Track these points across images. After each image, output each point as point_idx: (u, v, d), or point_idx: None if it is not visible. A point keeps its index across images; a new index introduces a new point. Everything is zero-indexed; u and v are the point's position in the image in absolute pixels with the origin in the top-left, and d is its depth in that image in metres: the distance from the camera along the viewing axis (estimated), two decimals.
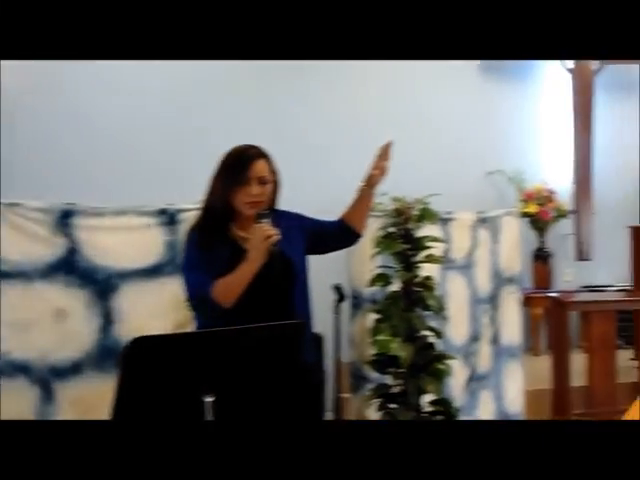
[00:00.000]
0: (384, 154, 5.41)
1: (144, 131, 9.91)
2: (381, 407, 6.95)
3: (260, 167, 4.84)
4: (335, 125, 11.21)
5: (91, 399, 5.90)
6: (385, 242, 6.69)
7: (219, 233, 4.80)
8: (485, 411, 8.12)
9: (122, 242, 6.24)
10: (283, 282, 4.84)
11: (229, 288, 4.63)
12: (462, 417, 7.51)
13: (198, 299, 4.72)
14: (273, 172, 4.96)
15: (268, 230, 4.64)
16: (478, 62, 12.46)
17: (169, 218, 6.10)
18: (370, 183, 5.33)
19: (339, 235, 5.29)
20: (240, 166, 4.81)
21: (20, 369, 6.01)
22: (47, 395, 6.10)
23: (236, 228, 4.89)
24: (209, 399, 4.01)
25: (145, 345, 4.10)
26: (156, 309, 5.61)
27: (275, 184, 5.01)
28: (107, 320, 6.28)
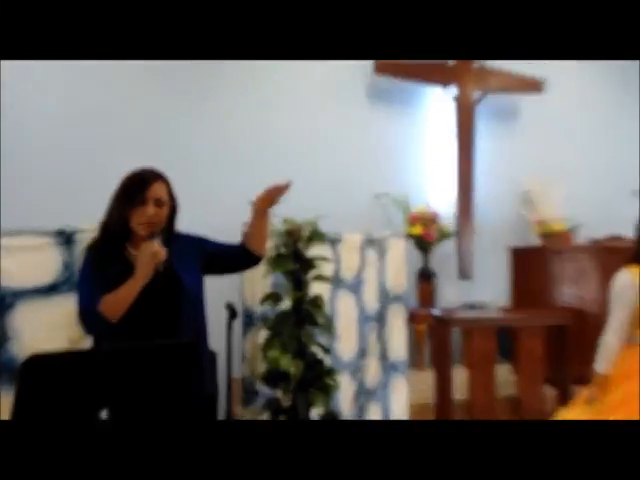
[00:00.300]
0: (278, 191, 5.44)
1: (40, 150, 9.92)
2: (271, 419, 7.11)
3: (157, 189, 4.92)
4: (232, 147, 11.24)
5: None
6: (276, 261, 6.80)
7: (114, 252, 4.87)
8: None
9: (18, 262, 6.29)
10: (171, 299, 4.92)
11: (116, 302, 4.71)
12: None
13: (87, 313, 4.78)
14: (171, 195, 5.04)
15: (155, 248, 4.74)
16: (367, 89, 12.63)
17: (66, 238, 6.16)
18: (257, 208, 5.41)
19: (240, 257, 5.37)
20: (138, 187, 4.90)
21: None
22: None
23: (131, 247, 4.95)
24: (103, 415, 4.16)
25: (40, 362, 4.20)
26: (52, 326, 5.68)
27: (173, 207, 5.08)
28: (3, 337, 6.37)
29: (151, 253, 4.72)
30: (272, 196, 5.43)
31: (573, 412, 6.77)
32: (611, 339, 6.40)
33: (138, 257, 4.79)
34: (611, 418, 6.35)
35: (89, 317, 4.76)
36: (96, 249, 4.95)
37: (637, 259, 6.36)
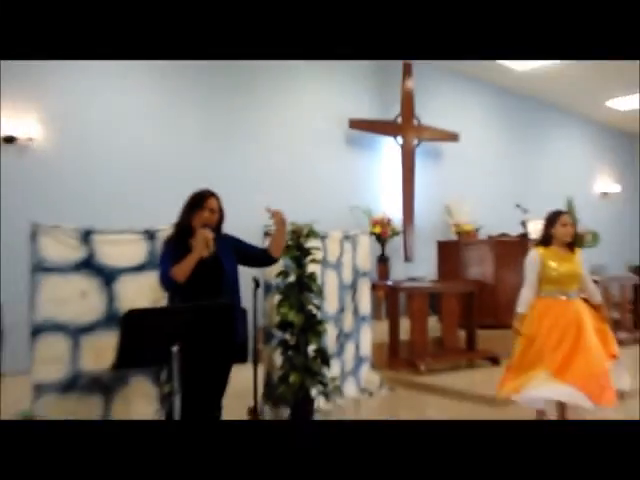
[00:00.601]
0: (278, 221, 5.51)
1: (134, 175, 9.95)
2: (282, 353, 7.13)
3: (211, 202, 5.01)
4: (251, 176, 11.29)
5: (102, 347, 6.01)
6: (285, 250, 6.87)
7: (182, 242, 4.92)
8: (349, 355, 8.28)
9: (120, 250, 6.37)
10: (216, 277, 4.95)
11: (180, 269, 4.77)
12: (333, 359, 7.66)
13: (164, 279, 4.85)
14: (220, 207, 5.10)
15: (206, 233, 4.82)
16: (345, 137, 12.71)
17: (150, 235, 6.23)
18: (278, 231, 5.43)
19: (262, 258, 5.38)
20: (199, 200, 5.00)
21: (59, 328, 6.14)
22: (75, 344, 6.21)
23: (191, 240, 4.97)
24: (175, 348, 4.22)
25: (134, 314, 4.32)
26: (140, 291, 5.70)
27: (221, 215, 5.13)
28: (111, 298, 6.43)
29: (203, 236, 4.81)
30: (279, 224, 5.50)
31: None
32: (526, 292, 6.56)
33: (195, 239, 4.85)
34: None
35: (166, 281, 4.83)
36: (170, 240, 5.01)
37: (541, 243, 6.44)
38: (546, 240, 6.44)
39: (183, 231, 5.03)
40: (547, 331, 6.25)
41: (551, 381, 6.10)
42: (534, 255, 6.41)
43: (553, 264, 6.40)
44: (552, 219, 6.48)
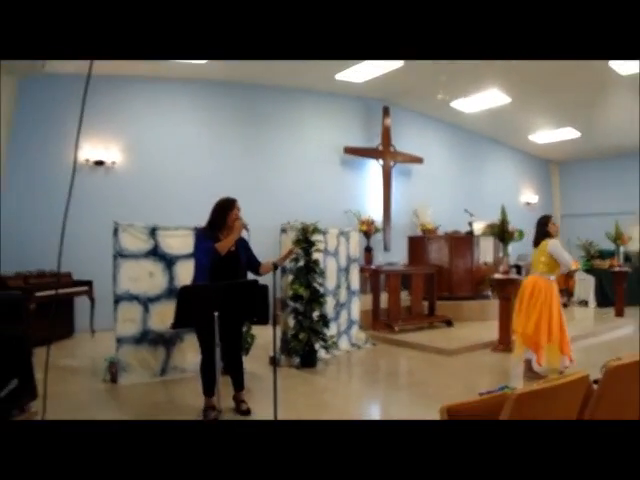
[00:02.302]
0: (287, 255, 5.47)
1: (186, 187, 9.98)
2: (294, 318, 7.15)
3: (237, 205, 5.05)
4: (265, 188, 11.32)
5: (165, 312, 6.07)
6: (296, 243, 6.85)
7: (215, 234, 4.93)
8: (343, 319, 8.27)
9: (177, 241, 6.43)
10: (235, 266, 4.97)
11: (223, 246, 4.81)
12: (331, 322, 7.71)
13: (203, 259, 4.88)
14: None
15: (243, 220, 4.93)
16: (340, 160, 12.65)
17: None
18: (277, 264, 5.09)
19: (252, 268, 5.25)
20: (232, 203, 5.03)
21: (134, 298, 6.27)
22: (145, 309, 6.33)
23: (220, 234, 4.95)
24: (216, 313, 4.23)
25: (187, 289, 4.40)
26: (191, 272, 5.66)
27: None
28: (171, 277, 6.46)
29: (240, 222, 4.89)
30: (288, 257, 5.52)
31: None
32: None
33: (234, 224, 4.91)
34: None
35: (204, 260, 4.86)
36: (205, 233, 5.00)
37: (546, 236, 6.46)
38: (547, 234, 6.45)
39: (216, 226, 5.00)
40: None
41: None
42: (556, 242, 6.44)
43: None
44: (545, 221, 6.58)
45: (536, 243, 6.60)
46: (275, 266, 4.88)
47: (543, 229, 6.53)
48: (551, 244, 6.38)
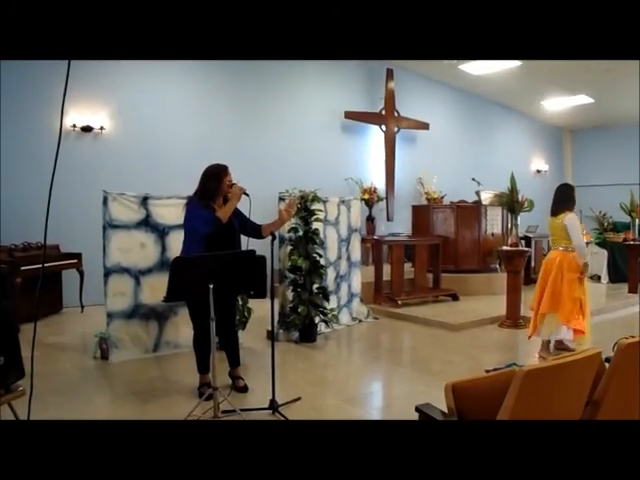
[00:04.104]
0: (291, 205, 5.35)
1: (178, 154, 9.93)
2: (293, 290, 7.16)
3: (229, 172, 4.99)
4: (267, 155, 11.31)
5: (157, 285, 6.06)
6: (296, 212, 6.83)
7: (208, 202, 4.88)
8: (343, 292, 8.29)
9: (170, 211, 6.36)
10: (230, 233, 4.93)
11: (224, 212, 4.77)
12: (332, 295, 7.73)
13: (199, 226, 4.79)
14: None
15: (240, 185, 4.88)
16: (341, 125, 12.66)
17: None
18: (280, 220, 5.27)
19: (253, 232, 5.21)
20: (224, 169, 4.97)
21: (125, 270, 6.27)
22: (137, 282, 6.33)
23: (214, 202, 4.92)
24: (211, 285, 4.22)
25: (180, 260, 4.39)
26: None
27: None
28: (163, 248, 6.46)
29: (238, 188, 4.84)
30: (292, 207, 5.37)
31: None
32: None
33: (233, 190, 4.87)
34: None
35: (200, 227, 4.78)
36: (198, 201, 4.92)
37: (562, 208, 6.30)
38: (569, 205, 6.34)
39: (211, 194, 4.94)
40: None
41: None
42: (573, 216, 6.29)
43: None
44: (571, 191, 6.43)
45: (554, 213, 6.44)
46: (273, 235, 4.87)
47: (566, 198, 6.38)
48: (569, 217, 6.23)
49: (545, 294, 6.25)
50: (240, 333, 6.31)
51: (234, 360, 5.29)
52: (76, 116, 9.32)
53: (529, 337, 6.61)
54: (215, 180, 4.93)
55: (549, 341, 6.45)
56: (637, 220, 12.35)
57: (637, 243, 11.32)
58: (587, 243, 13.11)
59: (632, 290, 10.94)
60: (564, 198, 6.40)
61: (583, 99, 15.02)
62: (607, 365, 2.51)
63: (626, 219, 12.63)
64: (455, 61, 12.14)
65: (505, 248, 8.13)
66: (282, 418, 4.45)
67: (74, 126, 9.32)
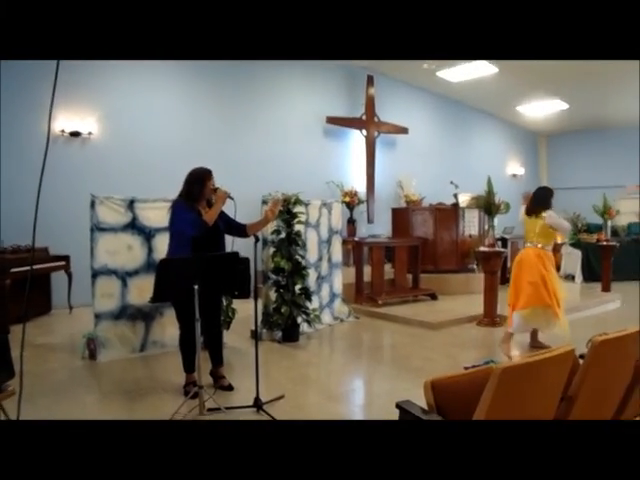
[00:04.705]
0: (275, 205, 5.32)
1: (165, 157, 9.91)
2: (276, 291, 7.17)
3: (212, 175, 4.97)
4: (250, 159, 11.34)
5: (143, 286, 6.08)
6: (278, 214, 6.83)
7: (193, 205, 4.87)
8: (325, 292, 8.32)
9: (156, 214, 6.37)
10: (216, 235, 4.95)
11: (210, 215, 4.75)
12: (314, 296, 7.73)
13: (187, 229, 4.76)
14: None
15: (224, 189, 4.85)
16: (323, 130, 12.70)
17: None
18: (266, 219, 5.28)
19: (238, 231, 5.21)
20: (208, 173, 4.95)
21: (112, 272, 6.29)
22: (124, 284, 6.34)
23: (198, 205, 4.92)
24: (196, 286, 4.24)
25: (166, 261, 4.41)
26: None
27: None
28: (150, 250, 6.48)
29: (222, 191, 4.82)
30: (276, 207, 5.33)
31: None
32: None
33: (217, 193, 4.86)
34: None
35: (188, 230, 4.74)
36: (184, 203, 4.89)
37: (541, 209, 6.49)
38: (547, 206, 6.50)
39: (196, 194, 4.93)
40: None
41: None
42: (552, 213, 6.47)
43: None
44: (549, 194, 6.63)
45: (531, 213, 6.60)
46: (256, 237, 4.89)
47: (544, 199, 6.55)
48: (549, 216, 6.42)
49: (524, 289, 6.36)
50: (224, 333, 6.35)
51: (217, 359, 5.31)
52: (65, 121, 9.31)
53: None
54: (199, 184, 4.93)
55: (512, 334, 6.58)
56: (609, 221, 12.49)
57: (610, 244, 11.42)
58: (562, 244, 13.34)
59: (605, 289, 11.07)
60: (542, 199, 6.55)
61: (558, 105, 15.14)
62: (581, 361, 2.55)
63: (599, 221, 12.76)
64: (434, 67, 12.20)
65: (482, 249, 8.18)
66: (266, 416, 4.47)
67: (63, 131, 9.31)
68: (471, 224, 10.99)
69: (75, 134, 9.47)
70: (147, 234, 6.48)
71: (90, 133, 9.61)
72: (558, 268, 13.52)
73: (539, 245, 6.48)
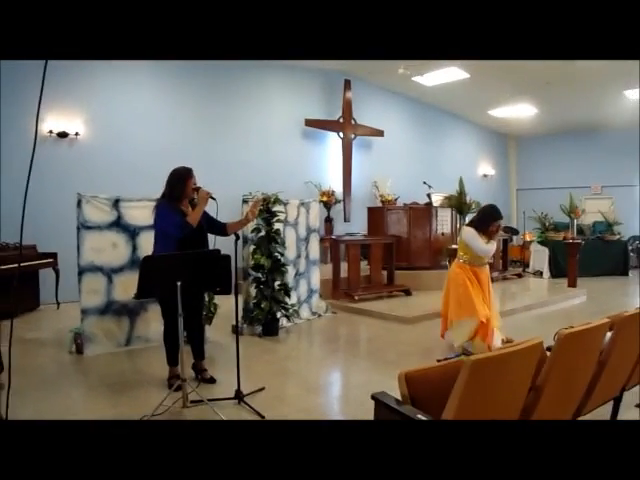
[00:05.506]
0: (255, 205, 5.35)
1: (148, 157, 9.89)
2: (256, 287, 7.21)
3: (193, 174, 4.99)
4: (230, 161, 11.34)
5: (128, 282, 6.08)
6: (258, 214, 6.85)
7: (176, 204, 4.90)
8: (303, 288, 8.35)
9: (140, 213, 6.38)
10: (200, 234, 4.99)
11: (194, 217, 4.78)
12: (292, 292, 7.78)
13: (172, 228, 4.79)
14: None
15: (206, 190, 4.84)
16: (301, 132, 12.72)
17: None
18: (246, 219, 5.30)
19: (219, 230, 5.23)
20: (190, 172, 4.96)
21: (98, 269, 6.30)
22: (110, 280, 6.35)
23: (182, 205, 4.95)
24: (179, 282, 4.27)
25: (149, 259, 4.39)
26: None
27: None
28: (134, 248, 6.48)
29: (205, 192, 4.83)
30: (256, 207, 5.37)
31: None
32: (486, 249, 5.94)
33: (199, 194, 4.87)
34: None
35: (174, 229, 4.78)
36: (167, 203, 4.91)
37: (472, 224, 6.02)
38: (475, 224, 6.04)
39: (178, 195, 4.93)
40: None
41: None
42: (467, 230, 6.02)
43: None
44: (488, 218, 6.02)
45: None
46: (237, 235, 4.91)
47: (482, 218, 6.08)
48: (466, 231, 6.09)
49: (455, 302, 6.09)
50: (207, 328, 6.39)
51: (200, 353, 5.35)
52: (53, 122, 9.32)
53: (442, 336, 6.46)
54: (180, 183, 4.94)
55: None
56: (576, 220, 12.64)
57: (576, 241, 11.55)
58: (530, 242, 13.49)
59: (571, 284, 11.19)
60: (480, 216, 6.18)
61: (527, 109, 15.27)
62: (548, 353, 2.59)
63: (566, 219, 12.91)
64: (409, 72, 12.26)
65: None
66: (248, 407, 4.51)
67: (51, 132, 9.32)
68: (444, 223, 11.07)
69: (63, 135, 9.48)
70: (132, 232, 6.49)
71: (77, 134, 9.61)
72: (527, 265, 13.75)
73: (461, 260, 6.13)
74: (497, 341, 5.90)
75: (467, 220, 8.57)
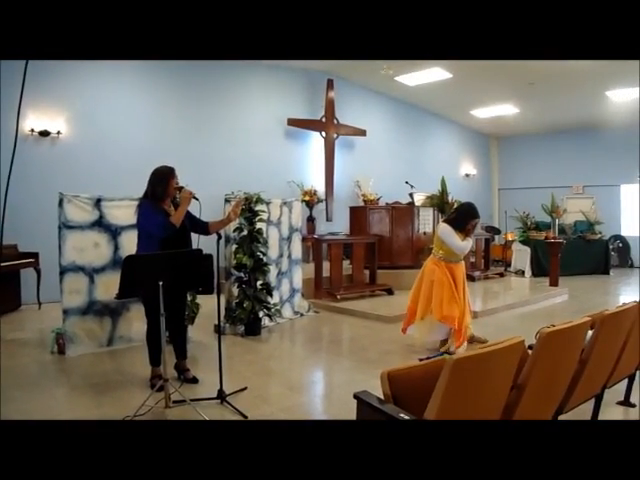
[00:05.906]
0: (237, 205, 5.34)
1: (131, 156, 9.85)
2: (238, 286, 7.21)
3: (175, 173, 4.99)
4: (215, 160, 11.32)
5: (110, 282, 6.04)
6: (241, 213, 6.84)
7: (159, 204, 4.90)
8: (285, 288, 8.35)
9: (122, 212, 6.35)
10: (183, 234, 4.98)
11: (177, 217, 4.79)
12: (274, 291, 7.79)
13: (157, 228, 4.78)
14: None
15: (189, 189, 4.88)
16: (284, 132, 12.71)
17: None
18: (228, 219, 5.32)
19: (201, 229, 5.23)
20: (171, 171, 4.96)
21: (80, 269, 6.26)
22: (91, 280, 6.32)
23: (165, 205, 4.95)
24: (161, 282, 4.27)
25: (131, 258, 4.37)
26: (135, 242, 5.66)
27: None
28: (116, 247, 6.46)
29: (187, 192, 4.86)
30: (238, 207, 5.37)
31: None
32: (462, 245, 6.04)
33: (182, 194, 4.90)
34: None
35: (158, 229, 4.78)
36: (149, 203, 4.91)
37: (448, 221, 6.12)
38: (451, 221, 6.18)
39: (161, 194, 4.93)
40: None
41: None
42: (443, 226, 6.17)
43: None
44: (465, 215, 6.16)
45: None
46: (219, 235, 4.90)
47: (459, 217, 6.20)
48: (441, 228, 6.23)
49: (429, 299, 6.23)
50: (189, 327, 6.38)
51: (182, 353, 5.35)
52: (34, 121, 9.26)
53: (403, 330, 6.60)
54: (163, 183, 4.94)
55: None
56: (557, 220, 12.75)
57: (557, 241, 11.66)
58: (512, 241, 13.58)
59: (553, 283, 11.28)
60: (457, 214, 6.30)
61: (509, 109, 15.35)
62: (530, 352, 2.62)
63: (547, 219, 13.03)
64: (392, 72, 12.29)
65: None
66: (230, 407, 4.52)
67: (32, 130, 9.25)
68: (426, 222, 11.12)
69: (44, 133, 9.41)
70: (113, 232, 6.46)
71: (59, 132, 9.54)
72: (509, 264, 13.84)
73: (436, 256, 6.23)
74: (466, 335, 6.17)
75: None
